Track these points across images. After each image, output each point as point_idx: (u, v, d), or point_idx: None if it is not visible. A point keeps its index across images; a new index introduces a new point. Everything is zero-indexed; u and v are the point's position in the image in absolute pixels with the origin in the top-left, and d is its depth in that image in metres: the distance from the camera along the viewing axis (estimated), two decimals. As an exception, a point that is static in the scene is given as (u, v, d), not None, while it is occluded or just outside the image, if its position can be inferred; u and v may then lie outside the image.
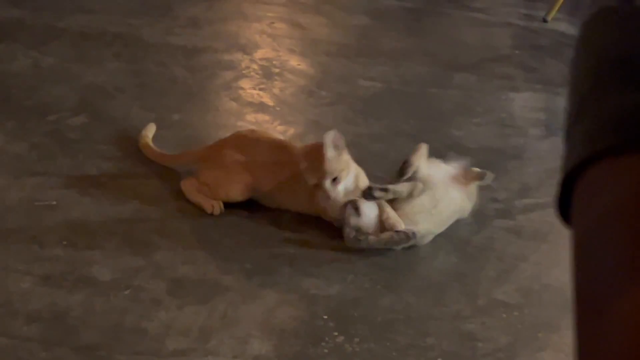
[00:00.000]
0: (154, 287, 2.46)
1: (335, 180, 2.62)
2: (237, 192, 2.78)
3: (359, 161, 2.96)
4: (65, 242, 2.58)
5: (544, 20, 4.60)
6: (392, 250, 2.67)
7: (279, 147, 2.80)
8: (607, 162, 0.41)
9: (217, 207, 2.78)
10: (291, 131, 3.24)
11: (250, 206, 2.82)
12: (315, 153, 2.62)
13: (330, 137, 2.60)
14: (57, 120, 3.15)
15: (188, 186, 2.82)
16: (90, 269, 2.49)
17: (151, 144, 2.97)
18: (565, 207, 0.44)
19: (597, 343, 0.39)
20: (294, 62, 3.81)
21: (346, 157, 2.67)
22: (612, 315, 0.38)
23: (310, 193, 2.70)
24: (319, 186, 2.63)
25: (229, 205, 2.80)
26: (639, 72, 0.41)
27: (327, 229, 2.76)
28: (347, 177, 2.67)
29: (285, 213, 2.79)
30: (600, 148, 0.41)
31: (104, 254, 2.56)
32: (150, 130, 3.02)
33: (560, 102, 3.56)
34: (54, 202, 2.75)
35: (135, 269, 2.51)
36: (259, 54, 3.83)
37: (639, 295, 0.37)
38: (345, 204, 2.66)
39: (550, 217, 2.78)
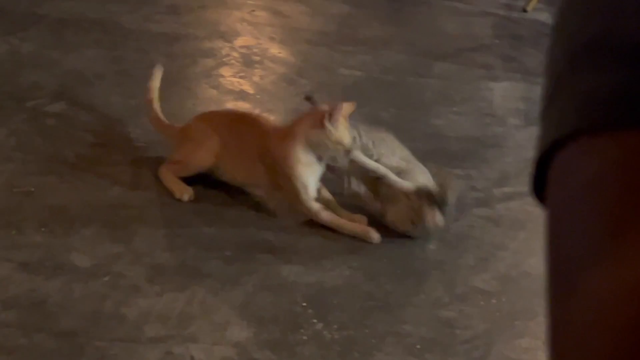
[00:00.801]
0: (133, 274, 2.45)
1: (331, 116, 2.62)
2: (205, 156, 2.79)
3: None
4: (44, 229, 2.57)
5: (524, 10, 4.61)
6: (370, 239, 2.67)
7: (249, 119, 2.82)
8: (581, 142, 0.41)
9: (187, 194, 2.77)
10: (271, 119, 3.23)
11: (230, 193, 2.82)
12: (312, 113, 2.66)
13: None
14: (35, 106, 3.14)
15: (164, 171, 2.82)
16: (69, 256, 2.49)
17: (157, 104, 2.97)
18: (540, 189, 0.44)
19: (569, 320, 0.39)
20: (275, 50, 3.80)
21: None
22: (583, 291, 0.38)
23: (270, 168, 2.71)
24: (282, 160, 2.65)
25: (209, 193, 2.79)
26: (612, 53, 0.41)
27: (307, 217, 2.77)
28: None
29: (266, 201, 2.79)
30: (573, 128, 0.41)
31: (83, 240, 2.55)
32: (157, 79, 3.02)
33: (540, 92, 3.57)
34: (33, 189, 2.73)
35: (114, 255, 2.51)
36: (239, 42, 3.83)
37: (610, 269, 0.37)
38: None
39: (529, 205, 2.80)
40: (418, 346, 2.34)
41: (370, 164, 2.71)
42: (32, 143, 2.94)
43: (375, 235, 2.69)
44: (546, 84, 0.46)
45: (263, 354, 2.24)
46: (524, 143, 3.30)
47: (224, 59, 3.66)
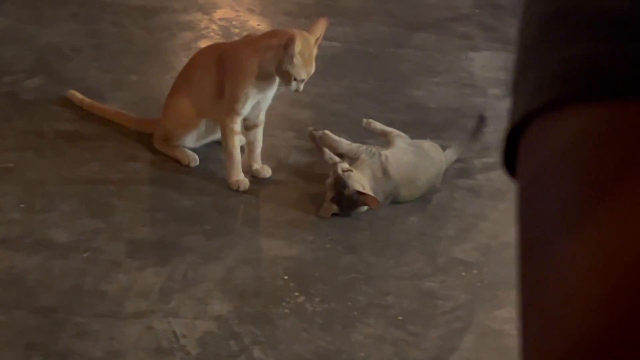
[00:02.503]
0: (113, 249, 2.44)
1: (286, 48, 2.59)
2: (184, 121, 2.79)
3: (319, 122, 2.97)
4: (22, 205, 2.56)
5: (504, -20, 4.59)
6: (353, 211, 2.67)
7: (209, 50, 2.84)
8: (551, 114, 0.40)
9: (193, 160, 2.82)
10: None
11: (210, 168, 2.81)
12: (309, 49, 2.64)
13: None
14: (12, 82, 3.11)
15: (161, 144, 2.82)
16: (48, 232, 2.47)
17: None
18: (512, 162, 0.44)
19: (540, 291, 0.39)
20: (254, 22, 3.78)
21: None
22: (554, 261, 0.38)
23: (221, 72, 2.71)
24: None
25: (189, 167, 2.79)
26: (584, 23, 0.41)
27: (287, 190, 2.76)
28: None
29: (246, 175, 2.77)
30: (544, 101, 0.41)
31: (62, 216, 2.54)
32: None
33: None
34: (11, 165, 2.71)
35: (93, 231, 2.50)
36: (218, 14, 3.80)
37: (580, 240, 0.37)
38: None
39: (509, 176, 2.79)
40: (400, 317, 2.34)
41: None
42: (9, 119, 2.92)
43: (242, 186, 2.71)
44: (518, 54, 0.45)
45: (245, 328, 2.24)
46: (504, 113, 3.22)
47: (202, 32, 3.63)
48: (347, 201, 2.61)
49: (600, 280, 0.35)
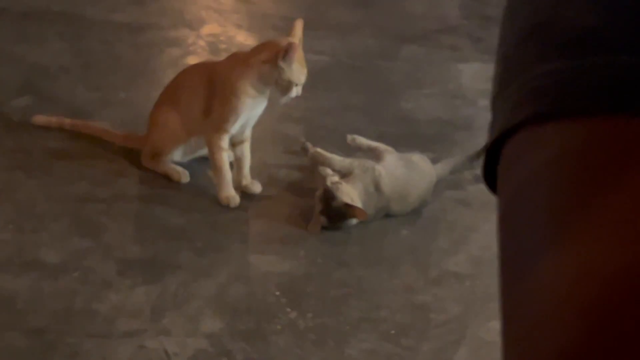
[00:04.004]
0: (103, 269, 2.43)
1: (286, 55, 2.58)
2: (171, 135, 2.78)
3: (309, 136, 2.96)
4: (11, 226, 2.54)
5: (491, -10, 4.60)
6: (344, 225, 2.66)
7: (197, 69, 2.81)
8: (529, 131, 0.41)
9: (184, 176, 2.81)
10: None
11: (200, 184, 2.80)
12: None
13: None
14: (0, 102, 3.09)
15: (149, 162, 2.81)
16: (37, 252, 2.46)
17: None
18: (493, 177, 0.45)
19: (520, 305, 0.39)
20: (241, 37, 3.77)
21: None
22: (534, 276, 0.38)
23: (211, 91, 2.69)
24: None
25: (178, 184, 2.78)
26: (558, 40, 0.42)
27: (278, 205, 2.75)
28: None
29: (236, 192, 2.77)
30: (521, 117, 0.41)
31: (52, 236, 2.52)
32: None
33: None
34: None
35: (84, 250, 2.48)
36: (205, 30, 3.79)
37: (559, 255, 0.37)
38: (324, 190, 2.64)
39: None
40: (393, 331, 2.33)
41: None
42: (-3, 139, 2.90)
43: (233, 202, 2.70)
44: (496, 69, 0.46)
45: (237, 345, 2.23)
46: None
47: (190, 48, 3.63)
48: (335, 213, 2.60)
49: (579, 295, 0.36)
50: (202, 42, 3.67)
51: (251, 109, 2.66)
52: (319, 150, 2.83)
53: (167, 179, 2.80)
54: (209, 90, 2.69)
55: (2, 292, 2.31)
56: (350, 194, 2.62)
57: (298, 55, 2.59)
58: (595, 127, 0.39)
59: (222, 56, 3.51)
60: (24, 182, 2.73)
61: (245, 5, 4.08)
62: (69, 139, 2.93)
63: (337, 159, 2.78)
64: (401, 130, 3.19)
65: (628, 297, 0.35)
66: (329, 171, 2.69)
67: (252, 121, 2.74)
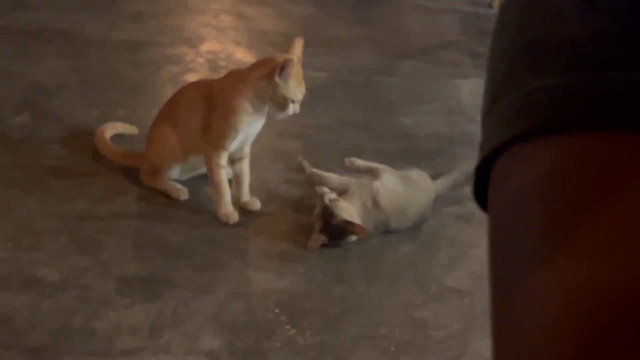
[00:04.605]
0: (102, 286, 2.42)
1: (282, 72, 2.57)
2: (169, 152, 2.78)
3: (308, 152, 2.96)
4: (10, 244, 2.54)
5: (490, 6, 4.62)
6: (343, 242, 2.66)
7: (195, 87, 2.79)
8: (519, 147, 0.41)
9: (183, 193, 2.81)
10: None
11: (199, 201, 2.80)
12: (297, 70, 2.61)
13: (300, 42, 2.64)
14: (-1, 119, 3.10)
15: (148, 179, 2.81)
16: (36, 270, 2.45)
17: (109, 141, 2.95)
18: (484, 194, 0.45)
19: (513, 323, 0.39)
20: (240, 54, 3.78)
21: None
22: (525, 293, 0.38)
23: (209, 109, 2.68)
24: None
25: (177, 201, 2.78)
26: (549, 56, 0.42)
27: (277, 222, 2.75)
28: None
29: (235, 208, 2.76)
30: (512, 134, 0.42)
31: (51, 254, 2.52)
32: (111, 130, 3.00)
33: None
34: (-2, 203, 2.70)
35: (82, 268, 2.48)
36: (204, 47, 3.80)
37: (551, 272, 0.37)
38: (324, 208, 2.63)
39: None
40: (392, 348, 2.32)
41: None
42: (-4, 157, 2.90)
43: (232, 219, 2.71)
44: (487, 86, 0.46)
45: (236, 363, 2.22)
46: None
47: (189, 65, 3.63)
48: (335, 230, 2.60)
49: (571, 311, 0.36)
50: (201, 60, 3.68)
51: (249, 125, 2.66)
52: (314, 170, 2.83)
53: (166, 196, 2.79)
54: (207, 108, 2.68)
55: (1, 310, 2.30)
56: (348, 210, 2.62)
57: (295, 72, 2.58)
58: (586, 143, 0.39)
59: (221, 73, 3.52)
60: (23, 199, 2.72)
61: (244, 23, 4.09)
62: (68, 157, 2.92)
63: (333, 177, 2.78)
64: (400, 146, 3.19)
65: (621, 312, 0.35)
66: (325, 189, 2.69)
67: (251, 138, 2.74)
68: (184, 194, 2.80)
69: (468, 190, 2.99)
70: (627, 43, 0.40)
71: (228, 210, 2.71)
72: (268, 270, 2.55)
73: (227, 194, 2.71)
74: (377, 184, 2.72)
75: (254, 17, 4.16)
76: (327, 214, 2.59)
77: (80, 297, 2.38)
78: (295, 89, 2.59)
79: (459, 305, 2.51)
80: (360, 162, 2.91)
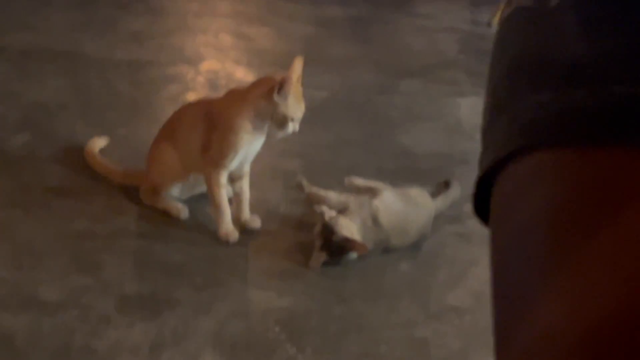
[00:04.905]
0: (102, 305, 2.42)
1: (280, 90, 2.56)
2: (170, 171, 2.78)
3: (308, 171, 2.96)
4: (10, 263, 2.54)
5: (489, 25, 4.63)
6: (344, 260, 2.65)
7: (195, 106, 2.79)
8: (520, 162, 0.41)
9: (183, 212, 2.82)
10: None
11: (199, 219, 2.80)
12: (296, 87, 2.60)
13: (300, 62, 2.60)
14: (-1, 139, 3.11)
15: (149, 198, 2.81)
16: (36, 290, 2.45)
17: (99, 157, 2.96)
18: (484, 207, 0.45)
19: (514, 338, 0.39)
20: (240, 73, 3.79)
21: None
22: (528, 309, 0.38)
23: (209, 127, 2.68)
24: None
25: (177, 220, 2.78)
26: (549, 72, 0.42)
27: (278, 241, 2.75)
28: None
29: (235, 226, 2.76)
30: (512, 148, 0.42)
31: (51, 273, 2.52)
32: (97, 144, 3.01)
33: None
34: (-2, 223, 2.70)
35: (83, 287, 2.48)
36: (204, 66, 3.81)
37: (553, 290, 0.38)
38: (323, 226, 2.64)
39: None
40: (393, 367, 2.32)
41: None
42: (-4, 176, 2.91)
43: (232, 237, 2.72)
44: (487, 102, 0.46)
45: (237, 382, 2.21)
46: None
47: (189, 84, 3.64)
48: (335, 248, 2.60)
49: (572, 328, 0.36)
50: (201, 79, 3.69)
51: (249, 144, 2.66)
52: (314, 190, 2.84)
53: (166, 215, 2.79)
54: (207, 127, 2.69)
55: (1, 330, 2.30)
56: (349, 227, 2.62)
57: (294, 90, 2.59)
58: (587, 158, 0.39)
59: (222, 92, 3.53)
60: (23, 219, 2.72)
61: (244, 42, 4.10)
62: (68, 176, 2.93)
63: (332, 196, 2.79)
64: (400, 164, 3.20)
65: (619, 335, 0.35)
66: (324, 208, 2.69)
67: (251, 157, 2.74)
68: (184, 213, 2.81)
69: (468, 208, 2.99)
70: (627, 59, 0.40)
71: (228, 229, 2.71)
72: (268, 289, 2.55)
73: (227, 212, 2.71)
74: (376, 202, 2.72)
75: (254, 37, 4.17)
76: (327, 231, 2.59)
77: (80, 317, 2.38)
78: (294, 107, 2.60)
79: (459, 323, 2.50)
80: (359, 181, 2.91)
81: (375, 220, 2.68)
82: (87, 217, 2.76)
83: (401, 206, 2.76)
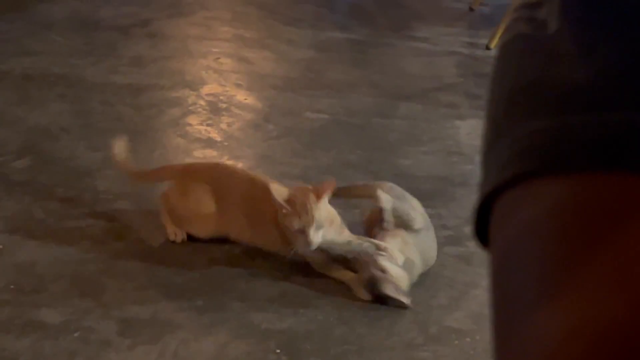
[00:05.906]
0: (103, 328, 2.42)
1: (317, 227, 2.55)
2: (202, 230, 2.78)
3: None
4: (12, 287, 2.54)
5: (487, 48, 4.66)
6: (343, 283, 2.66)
7: (252, 184, 2.74)
8: (520, 187, 0.42)
9: (180, 236, 2.81)
10: (240, 166, 3.23)
11: (198, 242, 2.80)
12: (302, 198, 2.56)
13: (327, 186, 2.57)
14: (1, 163, 3.12)
15: (163, 202, 2.82)
16: (38, 313, 2.46)
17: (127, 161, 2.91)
18: (484, 233, 0.45)
19: (514, 358, 0.40)
20: (241, 96, 3.81)
21: (329, 206, 2.64)
22: (527, 329, 0.39)
23: (282, 232, 2.65)
24: (298, 230, 2.56)
25: (177, 243, 2.79)
26: (548, 98, 0.42)
27: (278, 262, 2.75)
28: (331, 226, 2.63)
29: (236, 248, 2.78)
30: (511, 174, 0.42)
31: (52, 296, 2.52)
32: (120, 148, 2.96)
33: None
34: (0, 247, 2.71)
35: (84, 310, 2.48)
36: (205, 90, 3.83)
37: (552, 309, 0.38)
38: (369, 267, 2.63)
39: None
40: (394, 389, 2.32)
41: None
42: (-2, 200, 2.92)
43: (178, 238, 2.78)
44: (486, 127, 0.47)
45: (238, 404, 2.22)
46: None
47: (190, 108, 3.66)
48: (377, 297, 2.61)
49: (571, 347, 0.36)
50: (202, 102, 3.71)
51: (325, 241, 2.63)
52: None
53: (166, 239, 2.80)
54: (278, 225, 2.65)
55: (3, 353, 2.31)
56: (398, 280, 2.61)
57: (295, 199, 2.56)
58: (585, 184, 0.39)
59: (222, 116, 3.56)
60: (25, 243, 2.73)
61: (245, 66, 4.12)
62: (69, 200, 2.94)
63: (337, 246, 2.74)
64: (399, 186, 3.20)
65: (615, 352, 0.35)
66: (371, 252, 2.66)
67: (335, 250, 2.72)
68: (180, 237, 2.81)
69: (468, 230, 3.00)
70: (626, 85, 0.40)
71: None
72: (269, 311, 2.56)
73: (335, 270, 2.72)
74: (411, 253, 2.71)
75: (254, 60, 4.19)
76: (371, 284, 2.60)
77: (81, 339, 2.38)
78: (290, 216, 2.56)
79: (459, 345, 2.51)
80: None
81: (410, 267, 2.69)
82: (88, 240, 2.77)
83: (421, 245, 2.76)
